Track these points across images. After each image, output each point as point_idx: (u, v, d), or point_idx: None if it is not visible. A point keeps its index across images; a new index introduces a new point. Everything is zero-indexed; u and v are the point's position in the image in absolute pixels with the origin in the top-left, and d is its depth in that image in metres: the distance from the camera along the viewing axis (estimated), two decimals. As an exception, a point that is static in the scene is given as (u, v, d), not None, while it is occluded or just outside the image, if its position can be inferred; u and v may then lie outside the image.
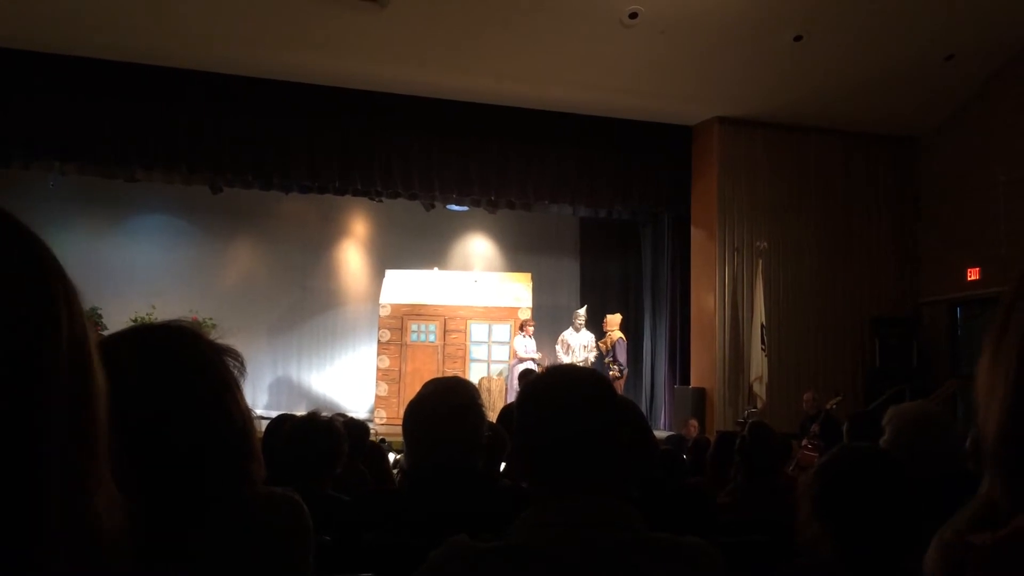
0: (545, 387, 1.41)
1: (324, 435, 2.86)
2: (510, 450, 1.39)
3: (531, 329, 10.80)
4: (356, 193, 10.83)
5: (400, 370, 11.06)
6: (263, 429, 3.28)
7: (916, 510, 1.63)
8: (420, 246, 12.51)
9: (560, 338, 11.18)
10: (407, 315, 11.23)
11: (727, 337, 10.67)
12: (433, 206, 11.46)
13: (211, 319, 10.78)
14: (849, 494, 1.66)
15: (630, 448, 1.55)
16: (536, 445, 1.35)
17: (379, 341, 11.25)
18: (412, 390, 2.65)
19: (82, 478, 0.64)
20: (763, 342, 10.31)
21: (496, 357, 11.22)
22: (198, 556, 1.09)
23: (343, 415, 3.99)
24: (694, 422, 9.84)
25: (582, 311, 11.30)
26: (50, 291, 0.63)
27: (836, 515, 1.66)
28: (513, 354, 10.80)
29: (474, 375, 10.68)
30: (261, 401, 11.88)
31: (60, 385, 0.62)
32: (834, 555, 1.65)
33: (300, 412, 3.48)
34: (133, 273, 11.51)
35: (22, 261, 0.63)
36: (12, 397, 0.59)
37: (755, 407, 10.06)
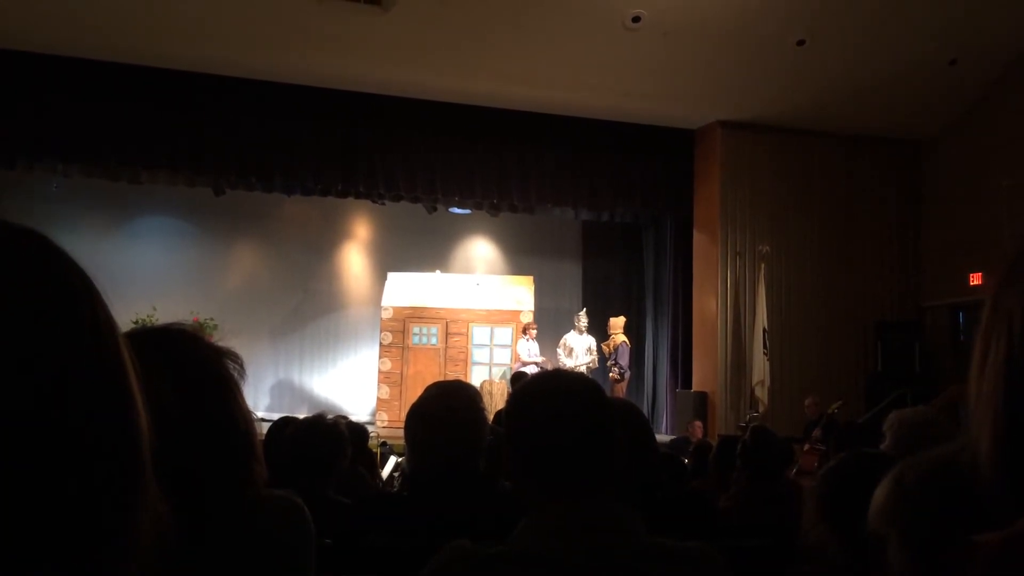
0: (535, 391, 1.42)
1: (328, 437, 2.86)
2: (505, 454, 1.38)
3: (534, 332, 10.78)
4: (358, 195, 10.84)
5: (402, 373, 11.04)
6: (264, 432, 3.28)
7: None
8: (422, 249, 12.50)
9: (562, 341, 11.16)
10: (409, 318, 11.21)
11: (729, 341, 10.66)
12: (435, 209, 11.45)
13: (213, 321, 10.78)
14: (858, 497, 1.66)
15: (627, 451, 1.55)
16: (529, 449, 1.35)
17: (381, 344, 11.23)
18: (414, 393, 2.65)
19: (125, 493, 0.56)
20: (765, 346, 10.30)
21: (498, 360, 11.19)
22: (199, 559, 1.09)
23: (344, 417, 3.98)
24: (698, 423, 9.83)
25: (583, 313, 11.29)
26: (70, 291, 0.57)
27: (844, 518, 1.65)
28: (516, 357, 10.78)
29: (476, 378, 10.67)
30: (263, 403, 11.87)
31: (90, 389, 0.55)
32: (840, 558, 1.65)
33: (302, 415, 3.47)
34: (135, 274, 11.50)
35: (40, 263, 0.57)
36: (36, 404, 0.52)
37: (757, 411, 10.04)
